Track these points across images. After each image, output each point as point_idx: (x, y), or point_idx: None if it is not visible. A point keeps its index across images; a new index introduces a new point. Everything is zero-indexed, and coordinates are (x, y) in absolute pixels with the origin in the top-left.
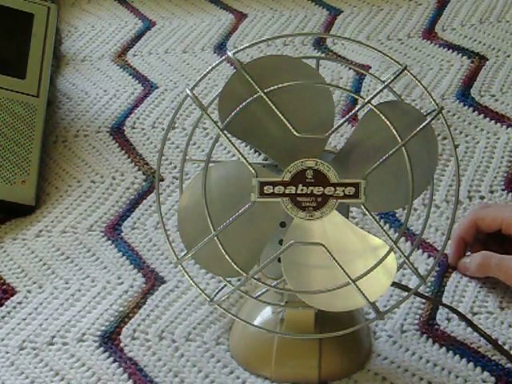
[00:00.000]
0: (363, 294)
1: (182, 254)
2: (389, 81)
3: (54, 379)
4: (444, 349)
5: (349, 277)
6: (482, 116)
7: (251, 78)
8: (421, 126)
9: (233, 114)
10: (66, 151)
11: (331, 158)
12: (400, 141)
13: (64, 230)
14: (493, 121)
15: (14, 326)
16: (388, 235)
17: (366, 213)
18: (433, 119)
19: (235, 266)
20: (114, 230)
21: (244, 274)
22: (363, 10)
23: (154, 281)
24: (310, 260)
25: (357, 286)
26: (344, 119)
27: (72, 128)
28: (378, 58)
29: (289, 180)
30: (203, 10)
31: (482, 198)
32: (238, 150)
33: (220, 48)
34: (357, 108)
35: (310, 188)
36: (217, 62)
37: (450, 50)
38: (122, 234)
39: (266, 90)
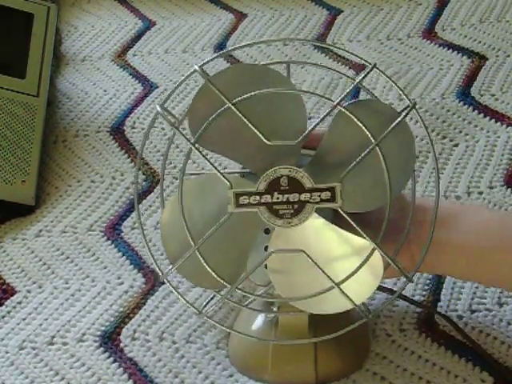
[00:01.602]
0: (348, 297)
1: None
2: (358, 79)
3: (53, 379)
4: (443, 348)
5: (332, 280)
6: (482, 115)
7: (218, 90)
8: (393, 124)
9: (203, 127)
10: (66, 151)
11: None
12: (373, 140)
13: (64, 230)
14: (493, 120)
15: (14, 325)
16: (368, 237)
17: (345, 216)
18: (405, 116)
19: (218, 278)
20: (113, 230)
21: (227, 285)
22: (363, 10)
23: (154, 281)
24: (295, 265)
25: (341, 290)
26: (314, 124)
27: (72, 128)
28: (378, 57)
29: (264, 189)
30: (203, 9)
31: (480, 193)
32: (211, 163)
33: (220, 48)
34: (327, 111)
35: (286, 195)
36: (185, 76)
37: (450, 50)
38: (122, 234)
39: (233, 101)
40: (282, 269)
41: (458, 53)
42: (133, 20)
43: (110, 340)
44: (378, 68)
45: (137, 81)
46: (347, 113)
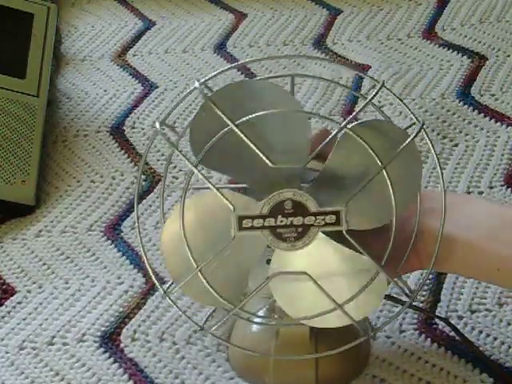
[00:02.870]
0: (350, 317)
1: (167, 285)
2: (369, 98)
3: (54, 379)
4: (443, 349)
5: (335, 302)
6: (482, 115)
7: (220, 109)
8: (400, 148)
9: (204, 150)
10: (66, 151)
11: (314, 177)
12: (380, 164)
13: (64, 230)
14: (493, 120)
15: (14, 325)
16: (373, 259)
17: (349, 239)
18: (414, 137)
19: (221, 300)
20: (113, 230)
21: (231, 306)
22: (363, 10)
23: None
24: (298, 281)
25: (343, 311)
26: (319, 147)
27: (72, 128)
28: (379, 57)
29: (267, 212)
30: (203, 9)
31: (480, 193)
32: (213, 185)
33: (220, 48)
34: (334, 133)
35: (290, 219)
36: (185, 94)
37: (450, 50)
38: (122, 234)
39: (236, 122)
40: (284, 284)
41: (458, 53)
42: (133, 20)
43: (110, 340)
44: (386, 87)
45: (137, 81)
46: (354, 136)
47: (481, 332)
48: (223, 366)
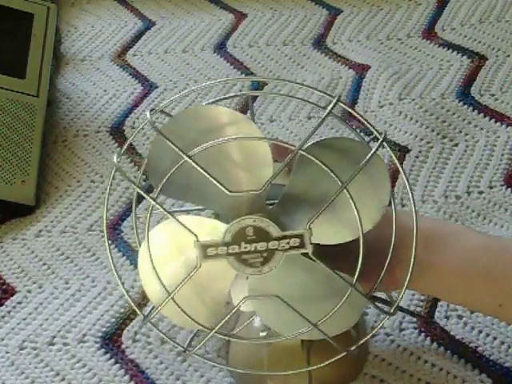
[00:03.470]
0: (326, 336)
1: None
2: (324, 115)
3: (54, 379)
4: (442, 348)
5: (310, 322)
6: (481, 115)
7: (172, 143)
8: (360, 166)
9: (161, 184)
10: (66, 151)
11: (278, 191)
12: (340, 183)
13: (64, 230)
14: (493, 120)
15: (14, 325)
16: (344, 279)
17: (316, 261)
18: (374, 153)
19: (197, 325)
20: (113, 230)
21: (207, 330)
22: (363, 10)
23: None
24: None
25: (319, 330)
26: (276, 171)
27: (72, 128)
28: (378, 57)
29: (230, 240)
30: (203, 9)
31: (480, 193)
32: (174, 217)
33: (220, 48)
34: (289, 156)
35: (254, 245)
36: (137, 131)
37: (450, 50)
38: (122, 234)
39: (190, 154)
40: (263, 302)
41: (458, 53)
42: (133, 20)
43: (111, 341)
44: (340, 101)
45: (137, 81)
46: (311, 157)
47: (480, 332)
48: (224, 370)
